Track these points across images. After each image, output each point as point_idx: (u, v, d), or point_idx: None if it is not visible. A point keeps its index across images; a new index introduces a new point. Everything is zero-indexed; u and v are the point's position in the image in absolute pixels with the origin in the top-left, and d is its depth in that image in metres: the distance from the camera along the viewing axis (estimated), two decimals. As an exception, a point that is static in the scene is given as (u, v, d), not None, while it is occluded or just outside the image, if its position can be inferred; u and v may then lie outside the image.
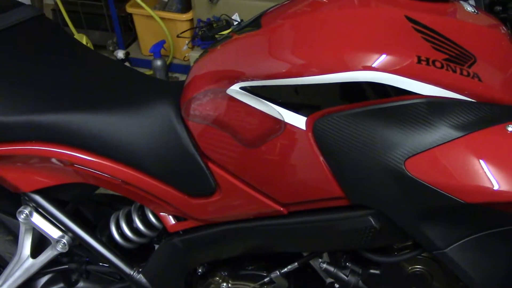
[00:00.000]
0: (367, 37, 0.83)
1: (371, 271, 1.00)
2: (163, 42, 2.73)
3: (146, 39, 2.88)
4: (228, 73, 0.93)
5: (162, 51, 2.73)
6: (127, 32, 3.00)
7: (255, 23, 0.97)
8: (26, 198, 1.12)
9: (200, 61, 1.03)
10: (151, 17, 2.73)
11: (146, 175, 1.02)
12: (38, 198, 1.11)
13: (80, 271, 1.30)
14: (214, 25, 2.46)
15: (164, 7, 2.84)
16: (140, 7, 2.71)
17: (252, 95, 0.89)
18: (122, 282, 1.28)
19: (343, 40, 0.84)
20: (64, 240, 1.13)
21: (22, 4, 1.28)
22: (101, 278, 1.32)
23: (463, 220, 0.83)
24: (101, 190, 1.25)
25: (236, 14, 2.50)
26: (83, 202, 1.29)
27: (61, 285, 1.32)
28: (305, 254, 1.07)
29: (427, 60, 0.79)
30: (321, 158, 0.87)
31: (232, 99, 0.91)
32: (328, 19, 0.88)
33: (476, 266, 0.85)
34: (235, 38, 0.98)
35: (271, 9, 1.00)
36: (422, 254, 0.95)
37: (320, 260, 1.05)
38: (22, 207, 1.13)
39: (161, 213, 1.10)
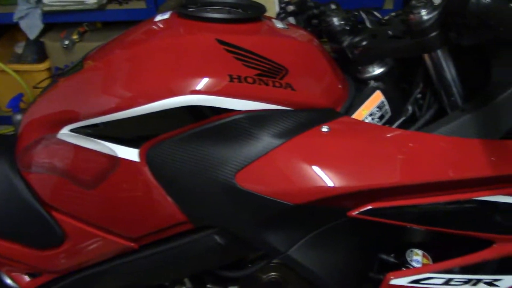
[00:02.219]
0: (185, 63, 0.86)
1: (230, 287, 1.02)
2: (21, 95, 2.61)
3: (4, 95, 2.73)
4: (55, 117, 0.92)
5: (22, 105, 2.61)
6: (-16, 91, 2.84)
7: (78, 65, 0.97)
8: None
9: (29, 109, 1.01)
10: (5, 71, 2.61)
11: None
12: None
13: None
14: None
15: (19, 59, 2.73)
16: (-8, 62, 2.59)
17: (82, 136, 0.89)
18: None
19: (161, 68, 0.87)
20: None
21: None
22: None
23: (298, 221, 0.88)
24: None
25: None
26: None
27: None
28: (167, 283, 1.07)
29: (239, 77, 0.84)
30: (159, 187, 0.88)
31: (63, 143, 0.90)
32: (146, 51, 0.90)
33: (318, 262, 0.90)
34: (60, 82, 0.97)
35: (92, 50, 1.01)
36: (274, 261, 0.98)
37: (183, 287, 1.05)
38: None
39: (14, 273, 1.05)
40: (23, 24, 2.49)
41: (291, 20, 1.22)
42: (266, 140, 0.85)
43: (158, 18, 0.98)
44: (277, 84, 0.86)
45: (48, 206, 0.95)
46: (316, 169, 0.83)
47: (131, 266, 0.97)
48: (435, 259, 0.95)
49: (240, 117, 0.85)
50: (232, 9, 0.98)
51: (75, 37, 2.51)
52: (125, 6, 2.48)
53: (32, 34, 2.53)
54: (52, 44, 2.55)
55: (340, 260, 0.92)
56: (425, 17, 0.87)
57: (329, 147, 0.85)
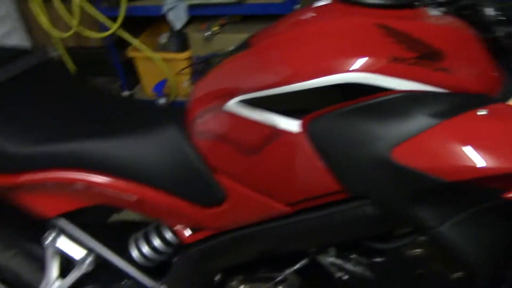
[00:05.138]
0: (346, 44, 0.93)
1: (375, 259, 1.07)
2: (165, 81, 2.85)
3: (149, 80, 3.01)
4: (224, 91, 1.03)
5: (165, 90, 2.85)
6: (131, 75, 3.13)
7: (243, 46, 1.08)
8: (51, 223, 1.21)
9: (198, 84, 1.14)
10: (151, 59, 2.86)
11: (160, 191, 1.10)
12: (62, 222, 1.20)
13: None
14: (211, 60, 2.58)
15: (163, 49, 2.98)
16: (140, 51, 2.85)
17: (248, 107, 0.98)
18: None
19: (325, 48, 0.93)
20: (88, 261, 1.21)
21: (28, 51, 1.39)
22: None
23: (450, 199, 0.91)
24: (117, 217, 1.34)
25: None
26: (102, 226, 1.38)
27: None
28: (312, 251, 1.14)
29: (399, 58, 0.88)
30: (318, 157, 0.95)
31: (230, 113, 1.00)
32: (309, 33, 0.97)
33: (468, 241, 0.92)
34: (228, 60, 1.09)
35: (256, 32, 1.11)
36: (420, 238, 1.01)
37: (326, 255, 1.12)
38: (47, 232, 1.22)
39: (176, 228, 1.18)
40: (170, 16, 2.72)
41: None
42: (422, 120, 0.89)
43: (319, 3, 1.06)
44: (434, 67, 0.89)
45: (213, 169, 1.07)
46: (470, 149, 0.85)
47: (283, 229, 1.06)
48: None
49: (398, 96, 0.89)
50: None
51: (215, 28, 2.69)
52: (263, 1, 2.60)
53: (177, 25, 2.75)
54: (194, 35, 2.75)
55: (492, 242, 0.93)
56: None
57: (486, 129, 0.87)
